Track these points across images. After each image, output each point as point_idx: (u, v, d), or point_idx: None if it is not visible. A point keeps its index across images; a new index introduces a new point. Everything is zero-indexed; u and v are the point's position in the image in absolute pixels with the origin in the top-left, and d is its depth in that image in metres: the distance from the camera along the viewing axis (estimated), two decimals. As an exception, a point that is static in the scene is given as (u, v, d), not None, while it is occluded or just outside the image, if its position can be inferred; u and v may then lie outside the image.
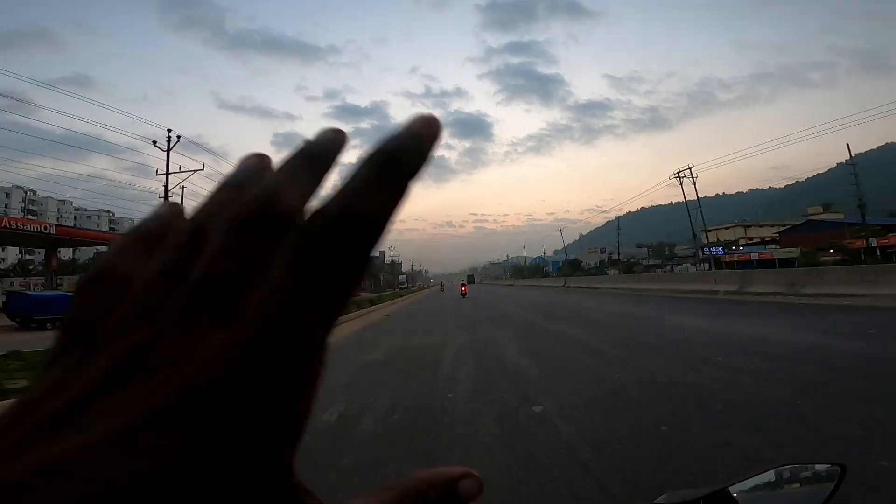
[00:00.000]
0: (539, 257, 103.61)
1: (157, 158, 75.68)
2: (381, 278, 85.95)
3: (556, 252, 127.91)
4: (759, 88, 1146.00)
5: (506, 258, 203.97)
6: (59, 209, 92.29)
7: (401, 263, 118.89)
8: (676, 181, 37.48)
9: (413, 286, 71.66)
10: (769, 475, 0.69)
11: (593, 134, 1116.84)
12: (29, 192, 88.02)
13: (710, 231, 46.77)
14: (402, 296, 35.73)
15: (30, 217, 62.63)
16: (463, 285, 46.84)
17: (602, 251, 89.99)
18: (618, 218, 75.68)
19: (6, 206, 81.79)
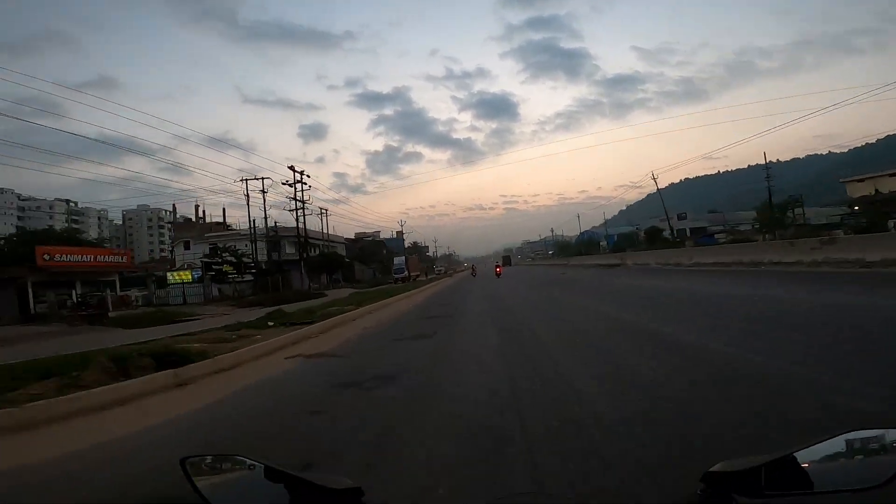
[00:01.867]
0: (588, 231, 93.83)
1: (189, 155, 76.57)
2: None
3: (594, 228, 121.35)
4: (803, 56, 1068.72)
5: (539, 237, 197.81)
6: (98, 217, 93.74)
7: (425, 247, 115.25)
8: (709, 156, 33.42)
9: (444, 272, 68.69)
10: (837, 442, 0.65)
11: (624, 108, 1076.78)
12: (71, 204, 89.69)
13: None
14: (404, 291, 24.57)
15: (74, 226, 64.31)
16: (498, 266, 43.94)
17: (681, 216, 65.97)
18: (672, 185, 69.26)
19: (51, 217, 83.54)
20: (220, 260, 35.54)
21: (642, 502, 1.60)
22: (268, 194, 35.16)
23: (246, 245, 37.01)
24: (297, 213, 36.75)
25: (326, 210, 48.40)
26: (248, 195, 35.37)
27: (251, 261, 36.40)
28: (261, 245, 37.92)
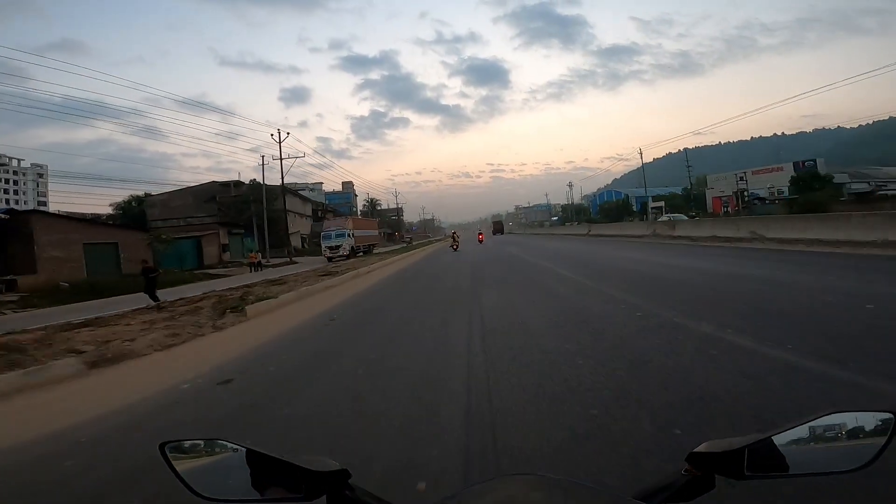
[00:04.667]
0: (608, 191, 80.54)
1: (164, 120, 65.42)
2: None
3: (584, 198, 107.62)
4: (806, 34, 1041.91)
5: (528, 204, 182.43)
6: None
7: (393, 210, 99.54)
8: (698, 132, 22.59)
9: (409, 243, 50.12)
10: (817, 424, 0.66)
11: (618, 80, 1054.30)
12: (40, 167, 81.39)
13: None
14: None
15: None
16: (480, 233, 39.36)
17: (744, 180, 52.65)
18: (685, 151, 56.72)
19: (23, 183, 78.84)
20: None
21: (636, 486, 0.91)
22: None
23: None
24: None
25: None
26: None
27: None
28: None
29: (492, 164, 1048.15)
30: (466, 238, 40.63)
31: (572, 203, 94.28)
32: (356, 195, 74.75)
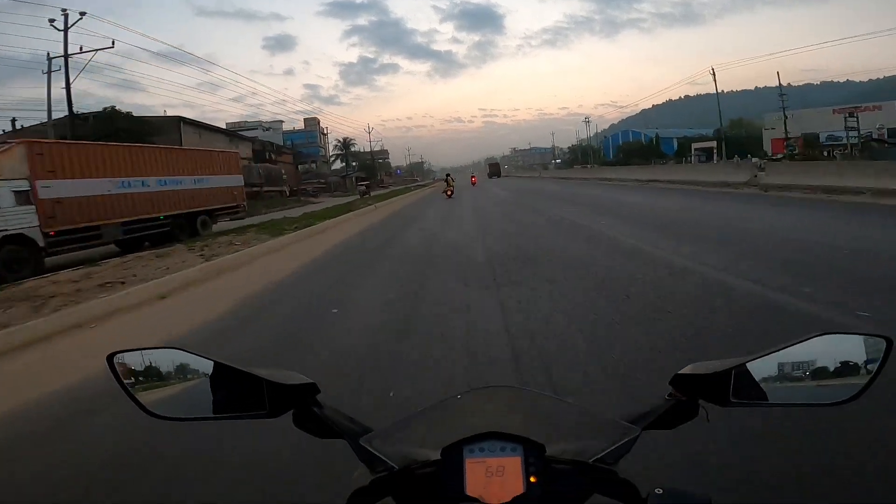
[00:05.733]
0: (623, 131, 69.57)
1: (140, 75, 63.56)
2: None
3: (581, 141, 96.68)
4: None
5: (529, 145, 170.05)
6: None
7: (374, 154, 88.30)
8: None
9: (367, 191, 34.58)
10: (807, 347, 0.61)
11: (616, 27, 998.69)
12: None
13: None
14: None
15: None
16: (473, 176, 38.64)
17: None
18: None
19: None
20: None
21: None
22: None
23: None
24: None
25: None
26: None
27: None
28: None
29: (484, 110, 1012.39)
30: (460, 184, 33.39)
31: (583, 143, 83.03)
32: (325, 133, 62.80)
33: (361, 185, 36.60)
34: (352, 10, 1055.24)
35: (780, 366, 0.61)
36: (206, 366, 0.66)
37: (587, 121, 65.36)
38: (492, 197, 22.96)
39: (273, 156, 40.02)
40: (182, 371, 0.68)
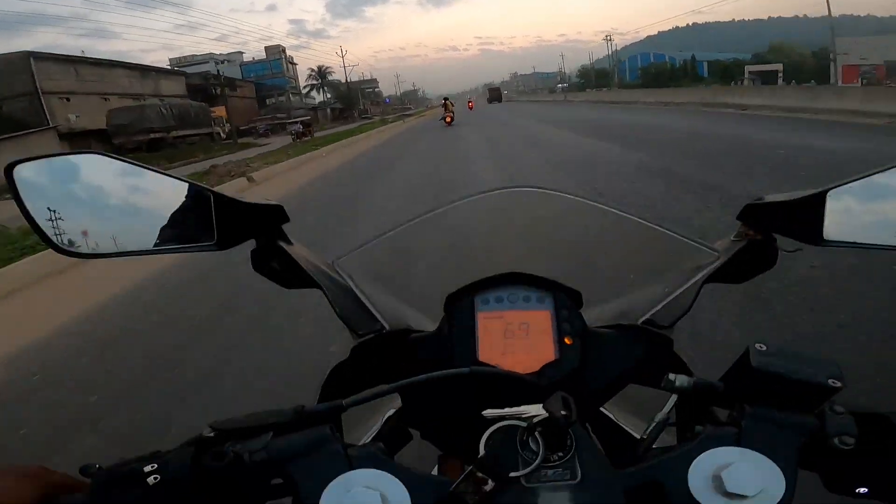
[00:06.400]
0: (642, 53, 63.67)
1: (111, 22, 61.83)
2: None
3: (583, 67, 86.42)
4: None
5: (532, 69, 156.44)
6: None
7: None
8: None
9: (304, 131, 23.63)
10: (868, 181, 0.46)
11: None
12: None
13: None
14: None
15: None
16: (471, 102, 37.55)
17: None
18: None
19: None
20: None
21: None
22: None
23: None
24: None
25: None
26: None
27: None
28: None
29: (480, 38, 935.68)
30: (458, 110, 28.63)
31: (593, 66, 73.03)
32: (293, 63, 53.71)
33: (296, 125, 24.61)
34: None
35: (878, 195, 0.45)
36: (137, 177, 0.47)
37: (609, 39, 55.67)
38: (509, 128, 16.86)
39: (222, 91, 32.36)
40: (104, 185, 0.47)
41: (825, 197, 0.44)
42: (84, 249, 0.46)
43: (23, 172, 0.44)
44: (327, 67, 50.59)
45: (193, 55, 41.92)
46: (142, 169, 0.47)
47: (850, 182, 0.44)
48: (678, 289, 0.44)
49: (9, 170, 0.44)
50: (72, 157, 0.47)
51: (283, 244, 0.49)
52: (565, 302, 0.42)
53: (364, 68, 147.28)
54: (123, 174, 0.47)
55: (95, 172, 0.47)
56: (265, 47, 49.62)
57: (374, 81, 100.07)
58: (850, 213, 0.45)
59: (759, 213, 0.47)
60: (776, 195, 0.47)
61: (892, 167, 0.43)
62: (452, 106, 21.40)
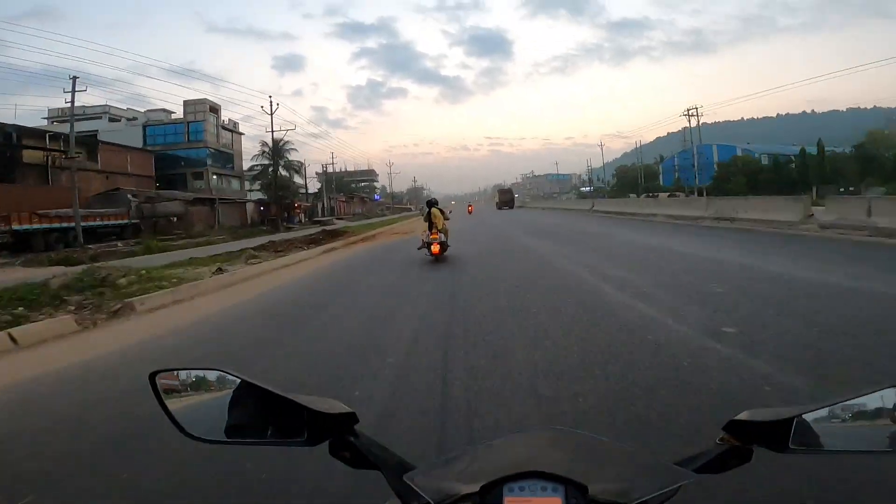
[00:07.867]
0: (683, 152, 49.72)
1: (148, 89, 52.49)
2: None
3: (592, 169, 78.52)
4: (829, 16, 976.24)
5: (531, 173, 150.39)
6: None
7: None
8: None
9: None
10: (873, 399, 0.59)
11: (626, 56, 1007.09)
12: None
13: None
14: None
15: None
16: (470, 206, 34.88)
17: None
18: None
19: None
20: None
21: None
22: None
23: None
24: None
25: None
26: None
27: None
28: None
29: (490, 138, 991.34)
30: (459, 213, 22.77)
31: (643, 164, 61.95)
32: (234, 132, 39.68)
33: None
34: (361, 31, 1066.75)
35: (845, 415, 0.59)
36: (248, 389, 0.65)
37: (690, 114, 41.62)
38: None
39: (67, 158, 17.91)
40: (220, 393, 0.66)
41: (793, 419, 0.57)
42: (205, 435, 0.65)
43: (165, 378, 0.67)
44: (286, 142, 35.98)
45: (84, 107, 28.69)
46: (250, 384, 0.64)
47: (820, 408, 0.57)
48: (672, 480, 0.55)
49: (152, 377, 0.66)
50: (200, 371, 0.68)
51: (352, 439, 0.65)
52: (574, 491, 0.52)
53: (376, 164, 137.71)
54: (238, 385, 0.65)
55: (218, 381, 0.66)
56: (183, 101, 35.57)
57: (371, 172, 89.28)
58: (812, 429, 0.57)
59: (739, 427, 0.62)
60: (754, 412, 0.62)
61: (853, 398, 0.57)
62: (447, 219, 10.46)
